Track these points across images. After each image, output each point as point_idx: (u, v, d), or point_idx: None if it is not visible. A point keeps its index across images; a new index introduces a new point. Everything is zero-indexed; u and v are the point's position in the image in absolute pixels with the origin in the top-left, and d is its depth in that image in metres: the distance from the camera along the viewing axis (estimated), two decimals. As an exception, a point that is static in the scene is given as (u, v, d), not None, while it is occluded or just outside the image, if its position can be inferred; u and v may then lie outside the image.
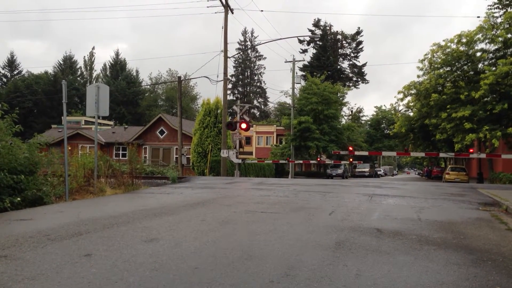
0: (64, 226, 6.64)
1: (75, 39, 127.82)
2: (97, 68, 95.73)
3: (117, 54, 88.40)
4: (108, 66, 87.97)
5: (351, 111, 73.37)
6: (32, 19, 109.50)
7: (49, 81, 74.20)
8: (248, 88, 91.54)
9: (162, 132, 44.95)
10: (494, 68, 27.40)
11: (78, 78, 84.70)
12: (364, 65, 76.73)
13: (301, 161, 43.03)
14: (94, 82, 78.95)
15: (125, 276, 4.05)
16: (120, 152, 44.87)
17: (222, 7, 27.89)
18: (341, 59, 77.10)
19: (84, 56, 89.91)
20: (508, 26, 27.21)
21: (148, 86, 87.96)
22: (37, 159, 10.71)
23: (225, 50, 28.04)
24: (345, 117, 67.95)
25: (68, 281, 3.89)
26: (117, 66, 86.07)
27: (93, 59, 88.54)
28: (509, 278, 4.22)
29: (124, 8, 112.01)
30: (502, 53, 28.71)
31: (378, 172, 64.53)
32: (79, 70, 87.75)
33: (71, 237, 5.80)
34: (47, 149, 13.75)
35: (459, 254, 5.15)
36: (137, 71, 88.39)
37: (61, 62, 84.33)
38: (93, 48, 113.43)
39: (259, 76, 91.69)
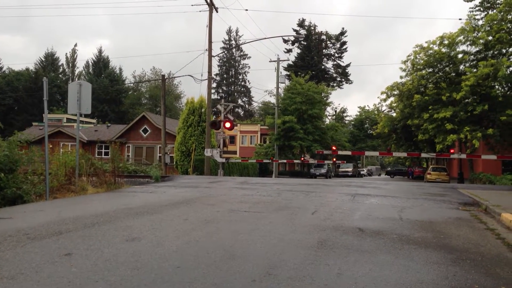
0: (44, 225, 6.56)
1: (57, 36, 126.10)
2: (80, 65, 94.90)
3: (100, 51, 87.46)
4: (90, 64, 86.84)
5: (335, 111, 73.92)
6: (12, 15, 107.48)
7: (30, 78, 72.88)
8: (233, 87, 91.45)
9: (145, 131, 44.59)
10: (475, 70, 27.89)
11: (60, 75, 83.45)
12: (348, 65, 77.33)
13: (285, 161, 43.11)
14: (76, 79, 78.03)
15: (106, 276, 4.01)
16: (103, 150, 44.42)
17: (207, 6, 27.75)
18: (325, 59, 77.49)
19: (66, 53, 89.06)
20: (489, 28, 27.65)
21: (132, 84, 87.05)
22: (17, 157, 10.55)
23: (210, 49, 27.95)
24: (329, 117, 68.52)
25: (47, 281, 3.84)
26: (100, 64, 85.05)
27: (75, 56, 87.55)
28: (487, 277, 4.29)
29: (106, 5, 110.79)
30: (483, 55, 29.24)
31: (361, 172, 65.06)
32: (61, 67, 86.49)
33: (51, 236, 5.73)
34: (27, 147, 13.57)
35: (439, 253, 5.23)
36: (120, 69, 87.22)
37: (43, 59, 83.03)
38: (76, 45, 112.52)
39: (244, 75, 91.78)
